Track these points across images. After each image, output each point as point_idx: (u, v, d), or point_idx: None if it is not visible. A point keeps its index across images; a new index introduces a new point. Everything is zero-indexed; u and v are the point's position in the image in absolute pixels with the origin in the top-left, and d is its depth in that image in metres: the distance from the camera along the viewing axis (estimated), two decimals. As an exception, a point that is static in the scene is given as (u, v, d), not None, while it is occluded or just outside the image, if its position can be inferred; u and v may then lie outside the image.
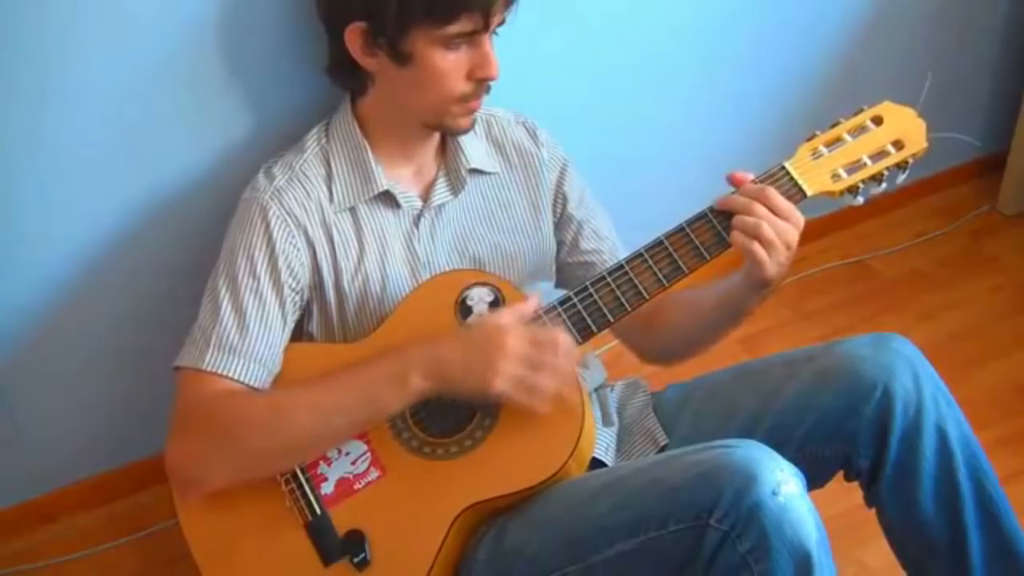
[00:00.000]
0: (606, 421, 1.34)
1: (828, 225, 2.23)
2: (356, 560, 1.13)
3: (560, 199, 1.38)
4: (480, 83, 1.19)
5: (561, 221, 1.39)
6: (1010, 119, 2.24)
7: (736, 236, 1.12)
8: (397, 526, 1.14)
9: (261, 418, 1.14)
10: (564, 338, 1.12)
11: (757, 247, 1.10)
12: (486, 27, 1.15)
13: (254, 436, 1.13)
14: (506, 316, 1.13)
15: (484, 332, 1.11)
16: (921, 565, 1.26)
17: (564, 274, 1.41)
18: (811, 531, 1.01)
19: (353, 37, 1.17)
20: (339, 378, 1.13)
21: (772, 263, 1.11)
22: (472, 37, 1.15)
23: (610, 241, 1.39)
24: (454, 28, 1.12)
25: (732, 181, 1.15)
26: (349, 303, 1.25)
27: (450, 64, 1.16)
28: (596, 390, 1.37)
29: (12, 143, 1.33)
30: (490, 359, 1.08)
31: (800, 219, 1.13)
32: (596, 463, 1.24)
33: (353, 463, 1.17)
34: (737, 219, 1.12)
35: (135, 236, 1.47)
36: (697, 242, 1.15)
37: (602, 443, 1.28)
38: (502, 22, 1.19)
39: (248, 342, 1.17)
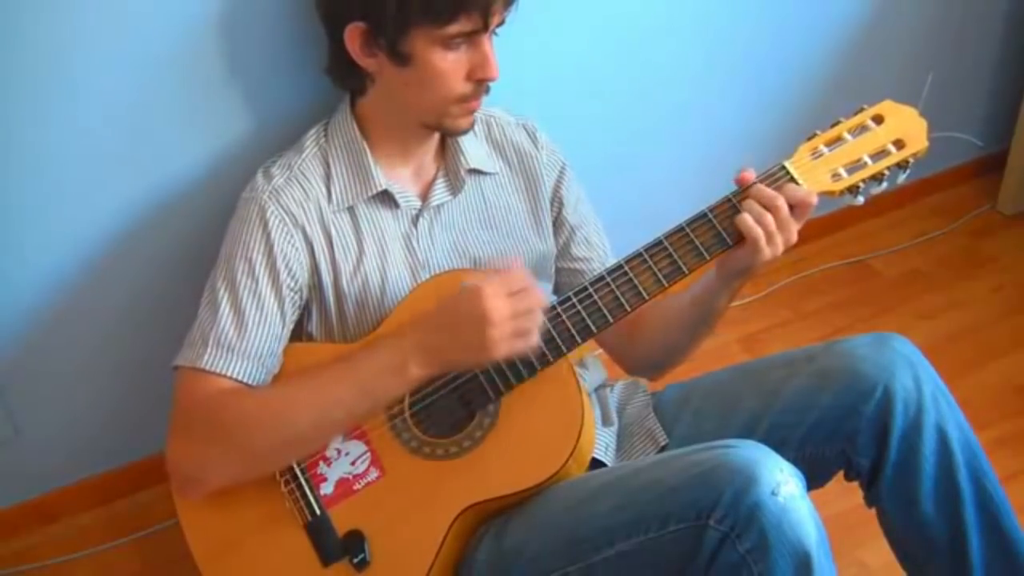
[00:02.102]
0: (606, 421, 1.34)
1: (828, 225, 2.23)
2: (355, 560, 1.13)
3: (556, 203, 1.38)
4: (479, 84, 1.19)
5: (555, 225, 1.38)
6: (1010, 118, 2.24)
7: (744, 219, 1.12)
8: (396, 527, 1.14)
9: (260, 415, 1.14)
10: (527, 276, 1.12)
11: (760, 234, 1.11)
12: (485, 27, 1.14)
13: (254, 434, 1.13)
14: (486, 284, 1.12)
15: (466, 306, 1.09)
16: (921, 565, 1.26)
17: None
18: (811, 531, 1.01)
19: (352, 37, 1.17)
20: (335, 371, 1.13)
21: (769, 252, 1.12)
22: (471, 37, 1.15)
23: (600, 250, 1.39)
24: (453, 28, 1.12)
25: (740, 183, 1.15)
26: (348, 303, 1.25)
27: (449, 64, 1.16)
28: (596, 390, 1.37)
29: (12, 143, 1.33)
30: (480, 333, 1.07)
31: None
32: (596, 463, 1.24)
33: (353, 463, 1.17)
34: (748, 205, 1.12)
35: (135, 236, 1.47)
36: (697, 242, 1.15)
37: (602, 443, 1.28)
38: (502, 22, 1.18)
39: (247, 341, 1.17)
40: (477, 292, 1.08)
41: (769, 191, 1.12)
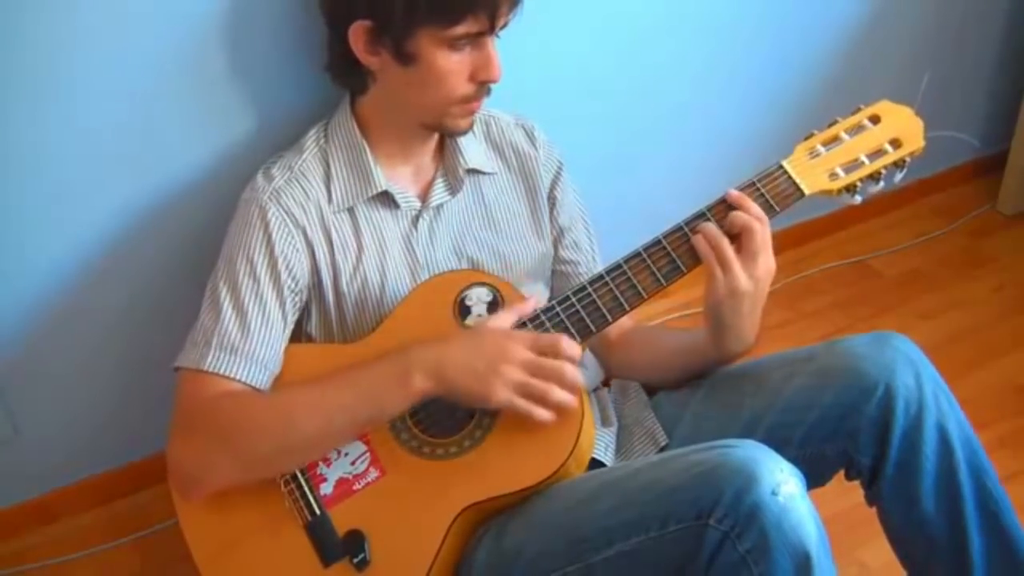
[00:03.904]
0: (605, 421, 1.34)
1: (828, 225, 2.23)
2: (355, 560, 1.13)
3: (550, 202, 1.38)
4: (482, 85, 1.19)
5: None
6: (1010, 119, 2.25)
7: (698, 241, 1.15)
8: (396, 526, 1.14)
9: (263, 419, 1.14)
10: (567, 342, 1.12)
11: (713, 259, 1.13)
12: (491, 29, 1.14)
13: (255, 437, 1.13)
14: (508, 319, 1.14)
15: (488, 337, 1.11)
16: (922, 564, 1.26)
17: None
18: (811, 531, 1.01)
19: (357, 35, 1.17)
20: (341, 378, 1.13)
21: (724, 284, 1.13)
22: (476, 39, 1.15)
23: (588, 255, 1.40)
24: (460, 29, 1.12)
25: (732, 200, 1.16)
26: (348, 303, 1.25)
27: (454, 65, 1.16)
28: (595, 390, 1.37)
29: (12, 144, 1.33)
30: (493, 364, 1.08)
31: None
32: (596, 463, 1.24)
33: (352, 463, 1.17)
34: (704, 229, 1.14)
35: (135, 236, 1.47)
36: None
37: (602, 443, 1.28)
38: (506, 24, 1.19)
39: (249, 343, 1.17)
40: (505, 327, 1.09)
41: (714, 230, 1.13)
